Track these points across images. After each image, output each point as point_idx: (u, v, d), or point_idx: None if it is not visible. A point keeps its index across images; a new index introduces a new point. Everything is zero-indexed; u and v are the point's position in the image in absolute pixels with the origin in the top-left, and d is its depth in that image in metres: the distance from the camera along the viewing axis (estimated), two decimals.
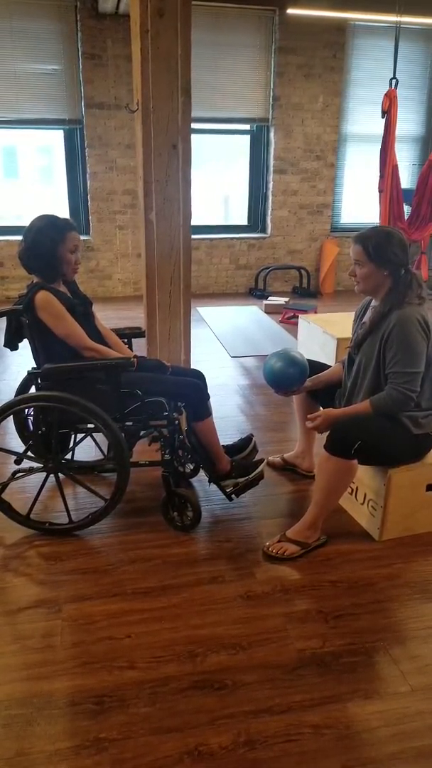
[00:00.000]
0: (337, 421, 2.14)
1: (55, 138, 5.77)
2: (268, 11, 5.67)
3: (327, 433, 2.13)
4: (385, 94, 4.95)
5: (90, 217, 5.88)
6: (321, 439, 2.34)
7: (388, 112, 4.95)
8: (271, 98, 5.98)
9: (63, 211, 5.87)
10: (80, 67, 5.45)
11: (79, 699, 1.58)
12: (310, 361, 2.61)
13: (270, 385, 2.31)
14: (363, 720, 1.54)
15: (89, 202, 5.84)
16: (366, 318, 2.21)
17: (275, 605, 1.92)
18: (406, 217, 5.41)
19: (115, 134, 5.68)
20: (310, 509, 2.17)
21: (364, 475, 2.27)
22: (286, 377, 2.24)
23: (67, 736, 1.48)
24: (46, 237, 2.12)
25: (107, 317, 5.10)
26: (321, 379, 2.40)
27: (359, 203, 6.55)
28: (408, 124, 6.25)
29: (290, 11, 5.34)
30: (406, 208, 5.45)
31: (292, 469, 2.73)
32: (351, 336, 2.33)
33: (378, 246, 2.04)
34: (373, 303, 2.22)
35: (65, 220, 2.20)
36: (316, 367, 2.54)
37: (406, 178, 6.35)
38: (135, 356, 2.31)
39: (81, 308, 2.25)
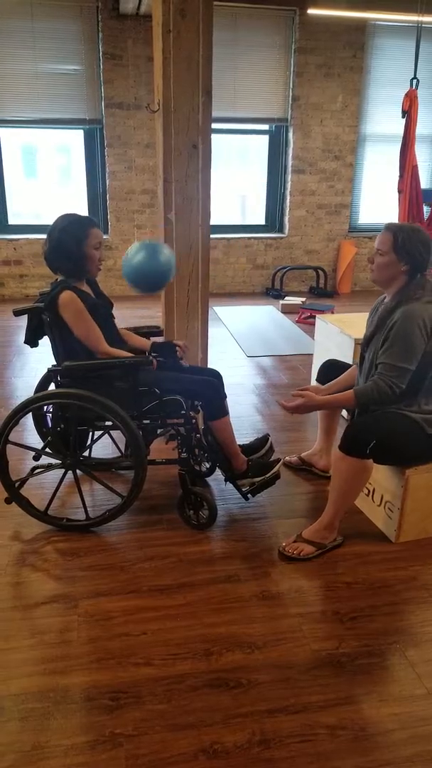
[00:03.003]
0: (318, 407, 2.15)
1: (75, 137, 5.82)
2: (289, 11, 5.66)
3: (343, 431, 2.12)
4: (406, 94, 4.90)
5: (108, 217, 5.92)
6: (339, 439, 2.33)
7: (409, 112, 4.90)
8: (290, 98, 5.96)
9: (82, 210, 5.90)
10: (101, 67, 5.48)
11: (95, 694, 1.60)
12: (333, 361, 2.60)
13: (134, 284, 2.20)
14: (378, 722, 1.53)
15: (108, 202, 5.88)
16: (377, 315, 2.20)
17: (291, 605, 1.92)
18: (425, 218, 5.36)
19: (134, 134, 5.71)
20: (327, 510, 2.17)
21: (380, 476, 2.26)
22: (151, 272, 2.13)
23: (82, 731, 1.50)
24: (70, 235, 2.15)
25: (125, 316, 5.13)
26: (340, 383, 2.39)
27: (378, 204, 6.50)
28: (428, 123, 6.19)
29: (310, 11, 5.31)
30: (426, 209, 5.39)
31: (308, 468, 2.72)
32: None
33: (407, 239, 2.04)
34: (386, 300, 2.21)
35: (87, 217, 2.23)
36: (340, 367, 2.53)
37: (426, 179, 6.29)
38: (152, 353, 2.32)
39: (103, 309, 2.27)
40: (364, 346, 2.23)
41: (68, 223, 2.16)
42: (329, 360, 2.63)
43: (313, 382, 2.60)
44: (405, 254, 2.05)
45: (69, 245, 2.15)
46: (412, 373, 2.05)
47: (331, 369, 2.55)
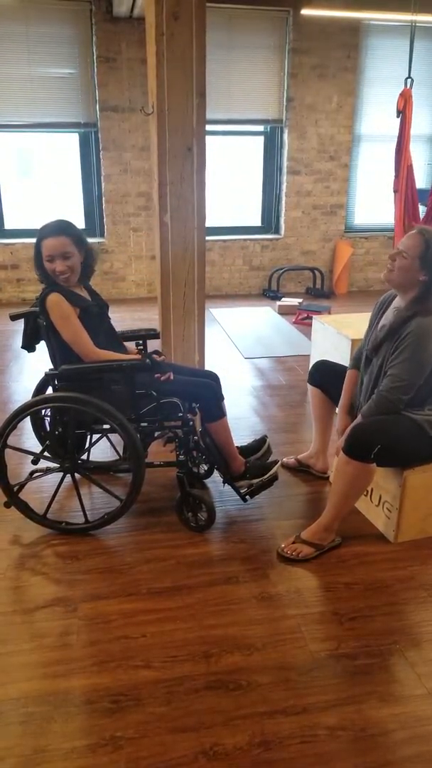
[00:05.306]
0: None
1: (70, 141, 5.82)
2: (282, 12, 5.67)
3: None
4: (400, 94, 4.91)
5: (104, 220, 5.92)
6: (335, 440, 2.34)
7: (403, 112, 4.91)
8: (284, 99, 5.97)
9: (78, 214, 5.91)
10: (95, 70, 5.49)
11: (95, 697, 1.60)
12: (325, 362, 2.60)
13: None
14: (379, 722, 1.53)
15: (104, 205, 5.88)
16: (386, 321, 2.19)
17: (289, 606, 1.92)
18: (421, 217, 5.37)
19: (129, 137, 5.72)
20: (327, 511, 2.17)
21: (379, 477, 2.26)
22: None
23: (83, 734, 1.50)
24: (35, 245, 2.16)
25: (122, 319, 5.14)
26: (348, 394, 2.36)
27: (373, 203, 6.52)
28: (423, 123, 6.21)
29: (304, 12, 5.32)
30: (421, 208, 5.40)
31: (306, 470, 2.73)
32: (367, 330, 2.30)
33: None
34: (395, 303, 2.20)
35: (45, 227, 2.14)
36: (331, 367, 2.53)
37: (421, 178, 6.30)
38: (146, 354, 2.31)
39: (96, 309, 2.26)
40: (371, 351, 2.20)
41: (37, 232, 2.15)
42: (320, 361, 2.63)
43: (308, 386, 2.62)
44: (429, 265, 2.03)
45: (34, 254, 2.16)
46: (422, 384, 2.05)
47: (323, 370, 2.55)
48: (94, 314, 2.23)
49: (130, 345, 2.47)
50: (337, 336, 3.34)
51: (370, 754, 1.45)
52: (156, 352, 2.49)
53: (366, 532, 2.30)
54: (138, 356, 2.26)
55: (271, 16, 5.69)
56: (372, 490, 2.34)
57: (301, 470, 2.74)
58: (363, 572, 2.08)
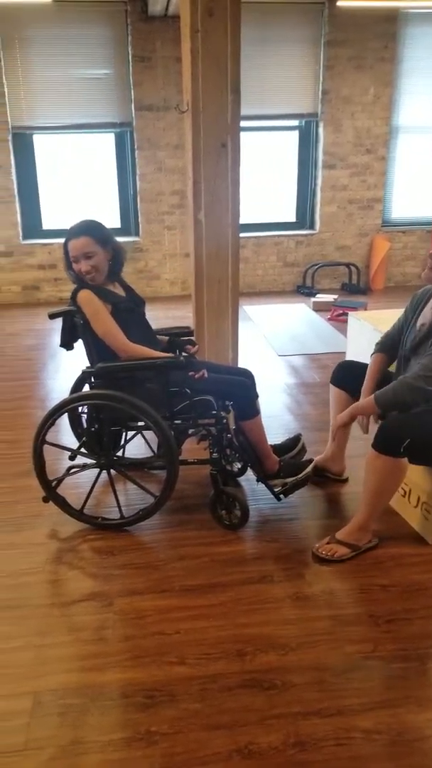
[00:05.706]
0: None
1: (106, 141, 5.89)
2: (318, 4, 5.59)
3: (374, 431, 2.08)
4: None
5: (139, 218, 5.97)
6: (352, 440, 2.28)
7: None
8: (320, 92, 5.89)
9: (113, 213, 5.98)
10: (130, 70, 5.53)
11: (130, 692, 1.62)
12: (353, 362, 2.52)
13: None
14: (416, 727, 1.50)
15: (138, 204, 5.93)
16: (425, 319, 2.13)
17: (324, 607, 1.90)
18: None
19: (163, 135, 5.75)
20: (361, 510, 2.14)
21: (416, 476, 2.21)
22: None
23: (119, 728, 1.52)
24: (63, 248, 2.22)
25: (156, 317, 5.17)
26: (374, 381, 2.31)
27: (411, 196, 6.37)
28: None
29: (340, 3, 5.24)
30: None
31: (322, 475, 2.58)
32: (401, 320, 2.25)
33: None
34: None
35: (70, 229, 2.19)
36: (356, 367, 2.45)
37: None
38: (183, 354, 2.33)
39: (126, 304, 2.27)
40: (410, 351, 2.15)
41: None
42: (346, 361, 2.56)
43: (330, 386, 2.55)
44: None
45: (63, 256, 2.21)
46: None
47: (348, 369, 2.46)
48: (126, 310, 2.25)
49: (164, 338, 2.48)
50: (373, 333, 3.28)
51: (407, 759, 1.43)
52: (190, 341, 2.50)
53: (403, 534, 2.26)
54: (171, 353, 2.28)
55: (306, 9, 5.61)
56: (410, 490, 2.29)
57: (320, 474, 2.57)
58: (400, 574, 2.04)
